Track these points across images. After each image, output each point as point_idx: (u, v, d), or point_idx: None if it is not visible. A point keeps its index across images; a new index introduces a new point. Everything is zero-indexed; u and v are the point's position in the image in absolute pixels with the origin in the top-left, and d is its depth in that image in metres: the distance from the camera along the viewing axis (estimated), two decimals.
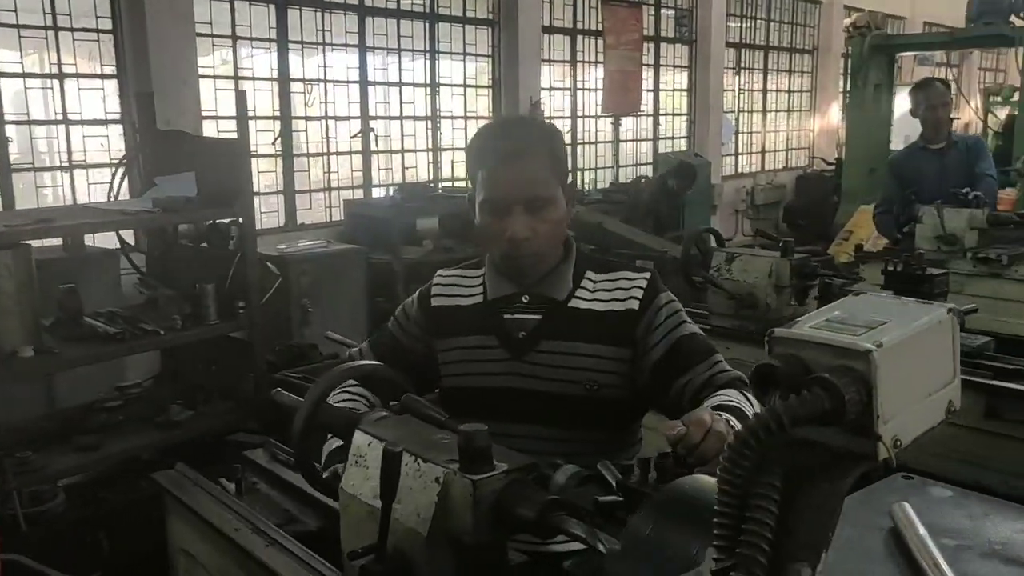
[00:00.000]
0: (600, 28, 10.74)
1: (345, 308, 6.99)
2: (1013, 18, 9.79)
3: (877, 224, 5.43)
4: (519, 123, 1.90)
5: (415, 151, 8.96)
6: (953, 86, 21.29)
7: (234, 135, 3.90)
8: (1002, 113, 17.18)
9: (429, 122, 9.01)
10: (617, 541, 1.20)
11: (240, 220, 3.71)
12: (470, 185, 1.93)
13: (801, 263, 3.27)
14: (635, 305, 1.85)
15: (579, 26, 10.63)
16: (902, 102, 11.00)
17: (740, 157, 13.97)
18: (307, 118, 8.03)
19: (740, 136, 13.89)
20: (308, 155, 8.14)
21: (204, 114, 7.04)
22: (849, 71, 11.65)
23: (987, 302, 4.23)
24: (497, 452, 1.33)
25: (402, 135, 8.82)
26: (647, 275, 1.91)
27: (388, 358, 1.95)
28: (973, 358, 2.92)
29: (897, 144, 10.82)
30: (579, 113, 10.82)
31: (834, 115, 15.72)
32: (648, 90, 11.75)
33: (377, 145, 8.55)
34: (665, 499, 1.04)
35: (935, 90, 5.23)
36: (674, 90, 12.48)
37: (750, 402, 1.65)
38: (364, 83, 8.31)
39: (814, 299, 3.31)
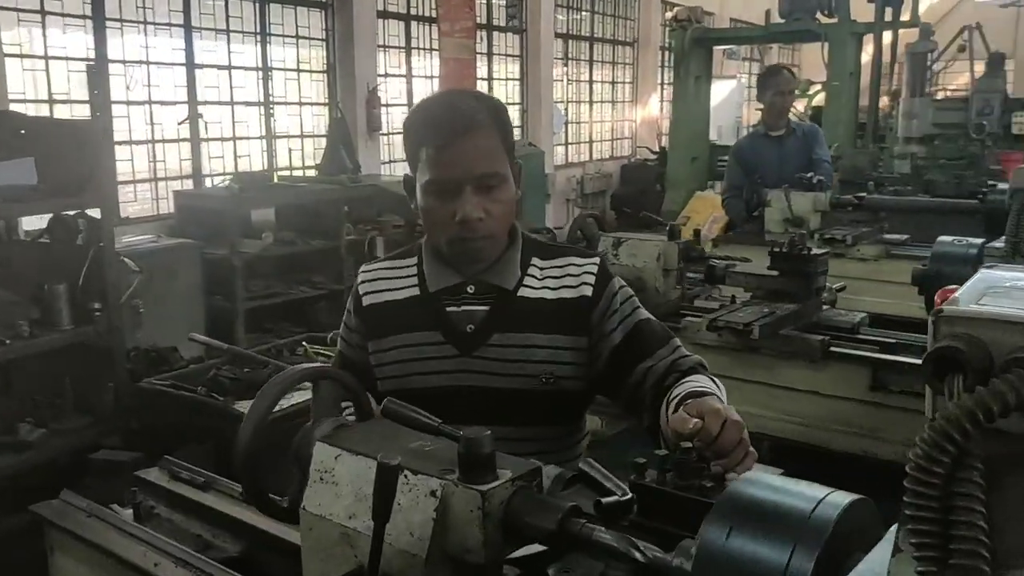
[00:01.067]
0: (434, 15, 10.59)
1: (180, 308, 6.54)
2: (819, 15, 10.45)
3: (727, 208, 5.63)
4: (466, 96, 1.75)
5: (248, 139, 8.50)
6: (753, 79, 22.50)
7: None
8: (800, 105, 18.53)
9: (262, 108, 8.57)
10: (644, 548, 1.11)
11: (88, 212, 3.31)
12: (409, 164, 1.78)
13: (688, 247, 3.31)
14: (588, 291, 1.76)
15: (413, 12, 10.43)
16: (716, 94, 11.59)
17: (570, 147, 14.24)
18: (129, 103, 7.42)
19: (569, 126, 14.14)
20: (131, 143, 7.52)
21: (10, 96, 6.35)
22: (671, 63, 12.07)
23: (833, 280, 4.46)
24: None
25: (233, 122, 8.34)
26: (596, 260, 1.82)
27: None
28: (853, 333, 3.05)
29: (711, 135, 11.39)
30: (416, 101, 10.64)
31: (654, 106, 16.32)
32: (482, 79, 11.71)
33: (207, 132, 8.04)
34: (736, 503, 0.95)
35: (783, 77, 5.48)
36: (507, 79, 12.52)
37: (718, 387, 1.61)
38: (191, 66, 7.78)
39: (700, 282, 3.36)
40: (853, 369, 2.85)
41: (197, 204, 7.38)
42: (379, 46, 9.76)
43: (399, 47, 10.29)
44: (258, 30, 8.40)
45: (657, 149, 14.81)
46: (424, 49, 10.64)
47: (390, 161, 10.18)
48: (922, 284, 2.76)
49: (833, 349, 2.88)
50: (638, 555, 1.09)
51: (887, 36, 11.18)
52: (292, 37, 8.81)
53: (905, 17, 10.63)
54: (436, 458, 1.24)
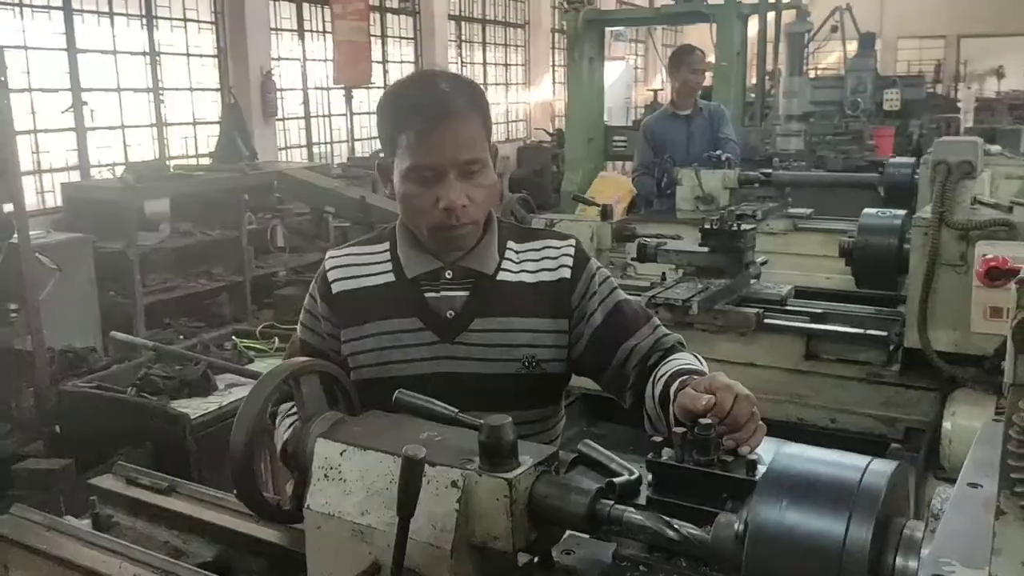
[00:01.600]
0: None
1: (73, 305, 6.22)
2: None
3: (637, 186, 5.71)
4: (445, 78, 1.70)
5: (137, 127, 8.13)
6: (640, 60, 22.88)
7: None
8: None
9: (151, 95, 8.21)
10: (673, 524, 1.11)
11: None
12: (384, 149, 1.73)
13: (621, 226, 3.34)
14: (567, 273, 1.75)
15: None
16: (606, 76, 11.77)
17: None
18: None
19: None
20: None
21: None
22: (563, 45, 12.17)
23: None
24: None
25: (121, 109, 7.95)
26: (572, 242, 1.82)
27: None
28: (782, 305, 3.15)
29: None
30: (311, 85, 10.40)
31: (547, 88, 16.44)
32: (377, 62, 11.54)
33: (93, 121, 7.64)
34: (785, 477, 0.96)
35: (696, 56, 5.59)
36: (401, 62, 12.37)
37: (701, 363, 1.63)
38: (73, 51, 7.38)
39: (631, 259, 3.40)
40: (787, 340, 2.95)
41: (88, 196, 7.03)
42: (272, 29, 9.48)
43: (292, 30, 10.03)
44: (143, 12, 8.02)
45: (552, 131, 14.96)
46: (318, 32, 10.41)
47: (286, 147, 9.93)
48: (850, 255, 2.87)
49: (767, 321, 2.97)
50: (672, 533, 1.10)
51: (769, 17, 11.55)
52: (180, 20, 8.47)
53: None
54: (451, 448, 1.22)
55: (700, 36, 11.58)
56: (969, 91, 20.53)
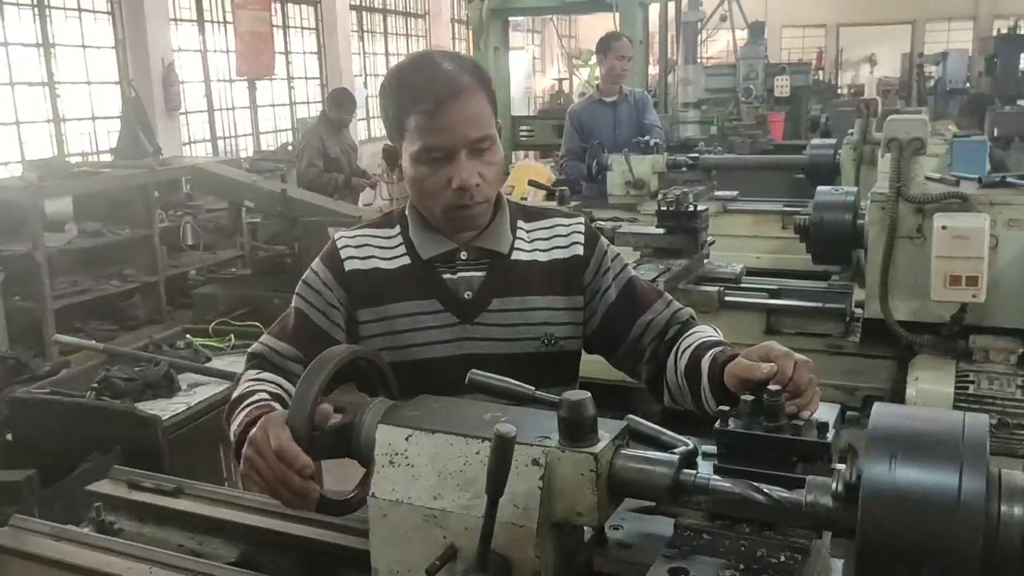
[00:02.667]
0: None
1: None
2: None
3: (567, 172, 5.77)
4: (446, 57, 1.67)
5: (33, 123, 7.71)
6: (537, 51, 22.97)
7: None
8: (583, 73, 19.26)
9: (46, 89, 7.80)
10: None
11: None
12: (389, 133, 1.70)
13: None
14: (580, 251, 1.77)
15: None
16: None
17: (372, 122, 14.00)
18: None
19: (370, 100, 13.90)
20: None
21: None
22: (463, 36, 12.15)
23: None
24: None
25: (15, 104, 7.53)
26: (581, 219, 1.83)
27: (308, 347, 1.68)
28: (737, 283, 3.24)
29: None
30: (213, 78, 10.07)
31: None
32: (280, 52, 11.26)
33: None
34: (890, 434, 0.99)
35: (623, 42, 5.68)
36: (304, 53, 12.11)
37: (719, 335, 1.67)
38: None
39: None
40: (748, 316, 3.04)
41: None
42: (171, 20, 9.14)
43: (192, 20, 9.68)
44: (35, 2, 7.61)
45: None
46: (218, 22, 10.08)
47: (190, 142, 9.60)
48: (806, 232, 2.97)
49: (728, 299, 3.05)
50: (761, 497, 1.12)
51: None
52: (75, 10, 8.06)
53: None
54: (523, 426, 1.21)
55: (592, 27, 11.60)
56: (871, 76, 21.63)
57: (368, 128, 13.83)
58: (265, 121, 11.19)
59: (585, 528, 1.27)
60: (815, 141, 5.04)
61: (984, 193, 2.56)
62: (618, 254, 1.83)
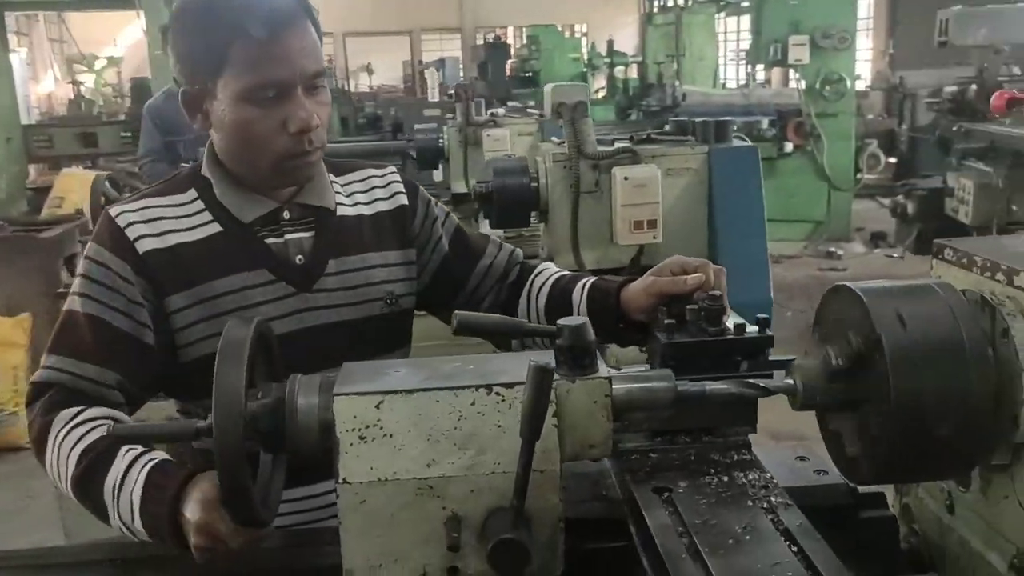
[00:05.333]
0: None
1: None
2: None
3: (151, 173, 5.21)
4: None
5: None
6: (25, 53, 20.52)
7: None
8: (88, 79, 17.52)
9: None
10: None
11: None
12: (193, 75, 1.40)
13: None
14: (404, 200, 1.63)
15: None
16: None
17: None
18: None
19: None
20: None
21: None
22: None
23: None
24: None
25: None
26: (393, 168, 1.69)
27: (123, 362, 1.39)
28: None
29: None
30: None
31: None
32: None
33: None
34: (882, 294, 1.07)
35: None
36: None
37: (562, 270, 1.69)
38: None
39: None
40: None
41: None
42: None
43: None
44: None
45: None
46: None
47: None
48: (489, 198, 3.05)
49: None
50: (754, 392, 1.15)
51: None
52: None
53: None
54: (504, 370, 1.10)
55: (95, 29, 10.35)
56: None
57: None
58: None
59: None
60: (419, 127, 5.21)
61: (647, 148, 2.88)
62: (438, 201, 1.73)
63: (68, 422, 1.32)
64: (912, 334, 1.05)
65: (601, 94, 14.19)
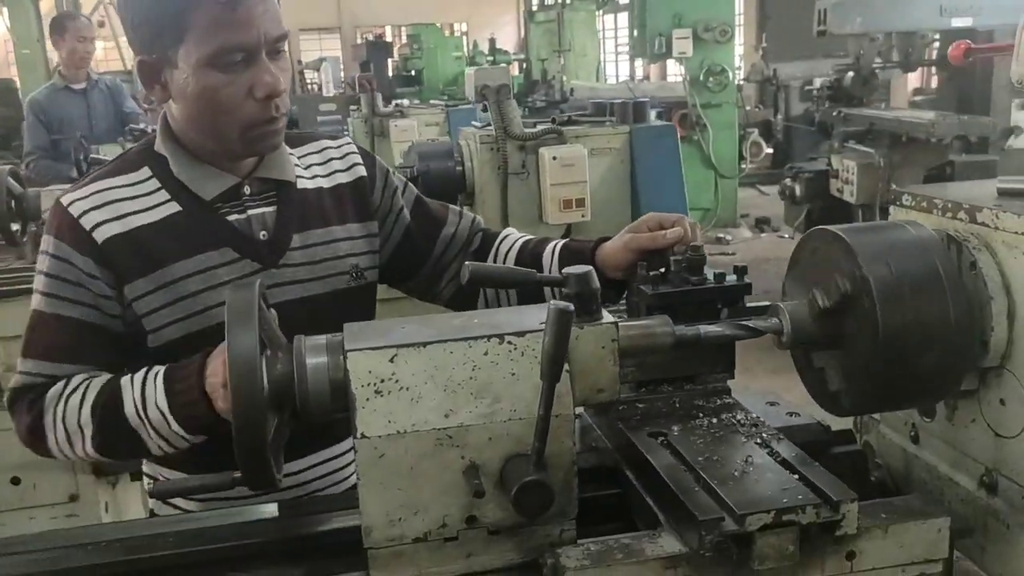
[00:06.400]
0: None
1: None
2: None
3: (39, 171, 4.94)
4: None
5: None
6: None
7: None
8: None
9: None
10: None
11: None
12: (149, 43, 1.35)
13: None
14: (362, 171, 1.60)
15: None
16: None
17: None
18: None
19: None
20: None
21: None
22: None
23: None
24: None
25: None
26: (348, 139, 1.67)
27: (98, 357, 1.37)
28: None
29: None
30: None
31: None
32: None
33: None
34: (866, 240, 1.14)
35: (82, 22, 5.04)
36: None
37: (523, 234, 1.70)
38: None
39: None
40: None
41: None
42: None
43: None
44: None
45: None
46: None
47: None
48: (416, 181, 3.04)
49: None
50: (745, 333, 1.21)
51: None
52: None
53: None
54: (510, 323, 1.11)
55: None
56: None
57: None
58: None
59: None
60: (323, 119, 5.14)
61: (571, 129, 2.93)
62: (395, 171, 1.72)
63: (59, 398, 1.32)
64: (894, 269, 1.12)
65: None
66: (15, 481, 2.71)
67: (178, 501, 1.51)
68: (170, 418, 1.25)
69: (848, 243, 1.15)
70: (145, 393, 1.27)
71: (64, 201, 1.39)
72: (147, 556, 1.19)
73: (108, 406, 1.29)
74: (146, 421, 1.27)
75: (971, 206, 1.19)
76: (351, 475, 1.56)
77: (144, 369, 1.30)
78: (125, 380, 1.30)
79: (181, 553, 1.20)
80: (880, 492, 1.40)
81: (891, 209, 1.35)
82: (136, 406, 1.27)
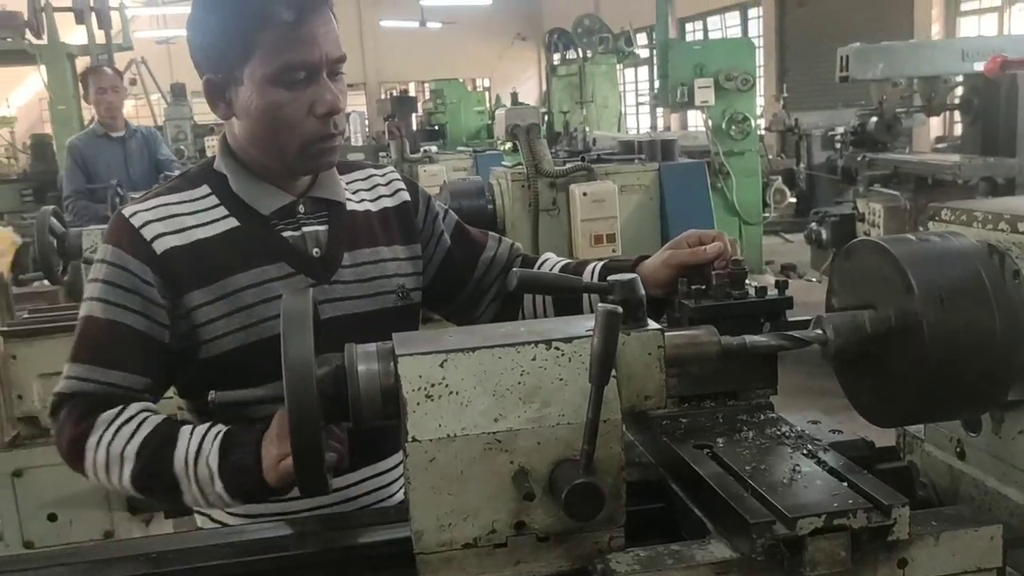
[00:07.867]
0: None
1: None
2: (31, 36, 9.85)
3: (77, 213, 5.06)
4: None
5: None
6: None
7: None
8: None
9: None
10: None
11: None
12: (218, 64, 1.40)
13: None
14: (406, 196, 1.66)
15: None
16: None
17: None
18: None
19: None
20: None
21: None
22: None
23: None
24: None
25: None
26: (392, 168, 1.75)
27: (147, 365, 1.40)
28: None
29: None
30: None
31: None
32: None
33: None
34: (915, 257, 1.15)
35: (105, 75, 5.20)
36: None
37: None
38: None
39: None
40: None
41: None
42: None
43: None
44: None
45: None
46: None
47: None
48: None
49: None
50: (791, 343, 1.21)
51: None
52: None
53: (119, 41, 10.71)
54: (555, 330, 1.13)
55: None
56: None
57: None
58: None
59: None
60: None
61: (601, 166, 2.97)
62: (435, 198, 1.77)
63: (110, 423, 1.35)
64: (941, 279, 1.13)
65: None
66: (52, 518, 2.73)
67: (221, 516, 1.52)
68: (216, 478, 1.29)
69: (892, 253, 1.16)
70: (201, 447, 1.30)
71: (126, 212, 1.44)
72: (188, 567, 1.20)
73: (159, 447, 1.33)
74: (192, 473, 1.30)
75: (1012, 216, 1.19)
76: (398, 491, 1.57)
77: (207, 425, 1.34)
78: (185, 429, 1.34)
79: (226, 564, 1.20)
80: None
81: (930, 224, 1.35)
82: (187, 456, 1.31)
